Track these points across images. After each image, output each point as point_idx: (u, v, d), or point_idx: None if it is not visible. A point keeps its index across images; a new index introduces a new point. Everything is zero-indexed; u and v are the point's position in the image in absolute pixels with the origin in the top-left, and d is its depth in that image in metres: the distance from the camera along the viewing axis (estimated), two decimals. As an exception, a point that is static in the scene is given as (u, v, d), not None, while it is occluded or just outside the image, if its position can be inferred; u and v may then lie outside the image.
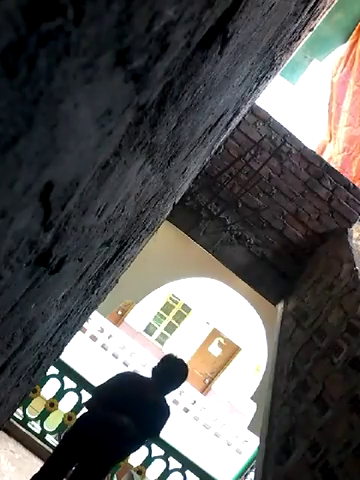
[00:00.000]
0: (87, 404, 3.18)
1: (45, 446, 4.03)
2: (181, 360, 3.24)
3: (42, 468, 3.01)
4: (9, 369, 0.93)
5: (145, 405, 3.00)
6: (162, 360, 3.21)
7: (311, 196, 3.95)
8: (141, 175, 0.77)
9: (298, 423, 2.19)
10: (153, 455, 4.17)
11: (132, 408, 2.94)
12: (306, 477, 1.84)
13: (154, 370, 3.18)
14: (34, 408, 4.33)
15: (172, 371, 3.14)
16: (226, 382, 15.40)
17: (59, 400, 4.14)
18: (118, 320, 14.43)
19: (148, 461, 4.17)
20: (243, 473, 4.81)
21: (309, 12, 1.65)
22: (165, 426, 3.16)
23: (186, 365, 3.21)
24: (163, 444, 4.17)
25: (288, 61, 2.98)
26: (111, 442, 2.93)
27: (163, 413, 3.11)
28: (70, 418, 4.06)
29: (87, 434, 2.96)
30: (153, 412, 3.03)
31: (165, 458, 4.17)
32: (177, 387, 3.20)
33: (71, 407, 4.13)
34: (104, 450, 2.94)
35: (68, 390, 4.11)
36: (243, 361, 15.23)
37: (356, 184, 4.05)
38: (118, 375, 3.22)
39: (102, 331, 11.95)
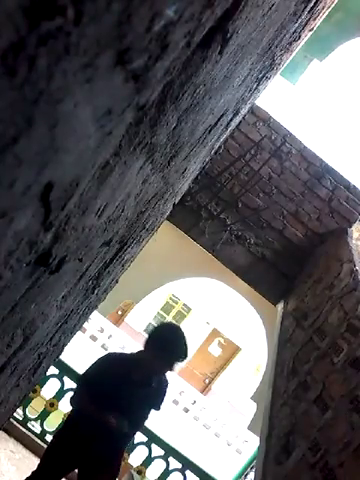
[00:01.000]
0: (73, 401, 2.88)
1: (45, 446, 4.02)
2: (178, 328, 2.76)
3: (34, 473, 2.79)
4: (9, 369, 0.93)
5: (133, 387, 2.67)
6: (154, 329, 2.75)
7: (311, 196, 3.95)
8: (141, 175, 0.77)
9: (298, 423, 2.19)
10: (153, 455, 4.17)
11: (120, 394, 2.64)
12: (306, 477, 1.84)
13: (147, 340, 2.70)
14: (34, 408, 4.33)
15: (167, 341, 2.60)
16: (226, 382, 15.40)
17: (59, 400, 4.14)
18: (118, 320, 14.44)
19: (148, 461, 4.17)
20: (243, 473, 4.81)
21: (309, 12, 1.65)
22: (164, 397, 2.87)
23: (184, 336, 2.67)
24: (163, 444, 4.17)
25: (288, 61, 2.98)
26: (108, 441, 2.70)
27: (156, 389, 2.77)
28: (70, 418, 4.06)
29: (81, 436, 2.73)
30: (143, 392, 2.70)
31: (165, 458, 4.17)
32: (174, 361, 2.60)
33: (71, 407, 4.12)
34: (104, 449, 2.73)
35: (68, 390, 4.11)
36: (243, 361, 15.24)
37: None
38: (100, 359, 2.89)
39: (102, 331, 11.96)
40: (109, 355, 3.07)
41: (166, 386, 2.88)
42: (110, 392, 2.66)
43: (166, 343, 2.59)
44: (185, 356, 2.62)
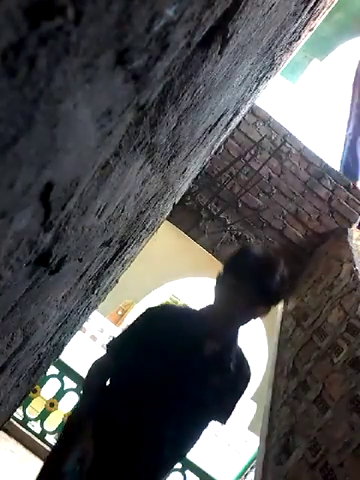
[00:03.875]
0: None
1: (45, 446, 4.02)
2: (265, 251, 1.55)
3: None
4: (9, 369, 0.93)
5: (202, 369, 1.53)
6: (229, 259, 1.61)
7: (311, 196, 3.95)
8: (141, 175, 0.77)
9: (298, 423, 2.19)
10: (153, 455, 4.16)
11: (178, 379, 1.51)
12: (306, 477, 1.84)
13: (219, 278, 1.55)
14: (34, 408, 4.33)
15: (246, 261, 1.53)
16: (226, 382, 15.39)
17: (59, 400, 4.14)
18: (118, 320, 14.43)
19: (148, 461, 4.16)
20: (243, 473, 4.81)
21: (309, 12, 1.65)
22: (239, 399, 1.76)
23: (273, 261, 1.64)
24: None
25: (288, 61, 2.98)
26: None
27: (233, 377, 1.61)
28: (70, 418, 4.06)
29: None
30: (215, 378, 1.56)
31: (165, 458, 4.16)
32: (257, 295, 1.50)
33: (71, 407, 4.12)
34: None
35: (68, 390, 4.11)
36: (243, 361, 15.22)
37: None
38: (146, 315, 1.63)
39: (102, 331, 11.95)
40: (165, 308, 1.80)
41: (248, 377, 1.68)
42: (160, 375, 1.50)
43: (244, 265, 1.51)
44: (277, 289, 1.58)
